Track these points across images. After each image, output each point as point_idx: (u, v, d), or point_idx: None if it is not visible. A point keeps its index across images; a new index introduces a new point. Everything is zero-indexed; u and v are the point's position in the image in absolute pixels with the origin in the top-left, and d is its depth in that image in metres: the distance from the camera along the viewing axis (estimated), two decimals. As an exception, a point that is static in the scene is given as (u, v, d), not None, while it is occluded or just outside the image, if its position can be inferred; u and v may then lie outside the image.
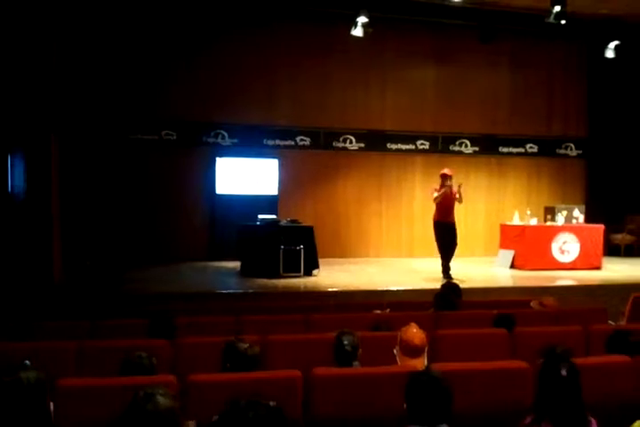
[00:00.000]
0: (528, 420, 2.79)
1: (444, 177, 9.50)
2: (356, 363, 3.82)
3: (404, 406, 2.72)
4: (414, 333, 3.80)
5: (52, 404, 2.67)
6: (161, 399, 2.18)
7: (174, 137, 11.68)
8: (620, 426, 2.53)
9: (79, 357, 4.29)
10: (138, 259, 10.67)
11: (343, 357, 3.82)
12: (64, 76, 9.17)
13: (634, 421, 2.79)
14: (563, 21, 10.30)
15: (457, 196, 9.38)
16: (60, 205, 8.96)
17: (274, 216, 10.47)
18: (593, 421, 2.82)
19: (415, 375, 2.77)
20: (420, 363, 3.73)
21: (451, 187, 9.41)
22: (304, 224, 10.21)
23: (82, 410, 3.18)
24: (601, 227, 11.22)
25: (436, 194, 9.46)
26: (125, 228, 10.94)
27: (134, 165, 11.26)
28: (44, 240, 8.31)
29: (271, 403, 2.22)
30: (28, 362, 2.58)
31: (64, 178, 9.20)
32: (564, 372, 2.82)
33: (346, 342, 3.81)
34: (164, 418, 2.16)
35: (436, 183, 9.68)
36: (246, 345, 3.56)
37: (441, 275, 9.51)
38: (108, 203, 10.76)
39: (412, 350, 3.77)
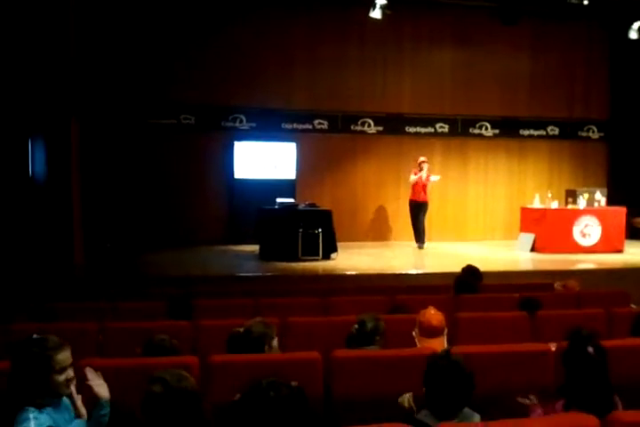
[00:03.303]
0: (559, 404, 2.76)
1: (423, 163, 11.08)
2: (373, 347, 3.78)
3: (423, 390, 2.69)
4: (432, 314, 3.82)
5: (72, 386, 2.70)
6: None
7: (192, 121, 11.68)
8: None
9: (100, 338, 4.33)
10: (157, 242, 10.75)
11: (349, 340, 3.80)
12: (83, 60, 9.17)
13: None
14: (585, 1, 10.10)
15: (428, 180, 10.99)
16: (80, 189, 9.01)
17: (292, 200, 10.45)
18: (619, 402, 2.80)
19: (434, 359, 2.73)
20: (439, 344, 3.73)
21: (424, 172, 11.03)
22: (322, 208, 10.20)
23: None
24: (623, 210, 11.07)
25: (413, 176, 11.05)
26: (145, 211, 11.01)
27: (153, 149, 11.29)
28: (64, 223, 8.38)
29: (293, 383, 2.22)
30: (35, 336, 2.63)
31: (84, 162, 9.25)
32: (590, 350, 2.78)
33: (355, 326, 3.80)
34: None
35: (415, 167, 11.18)
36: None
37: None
38: (127, 187, 10.81)
39: (431, 331, 3.77)
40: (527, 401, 2.99)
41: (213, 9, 11.45)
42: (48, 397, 2.55)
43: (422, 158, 11.13)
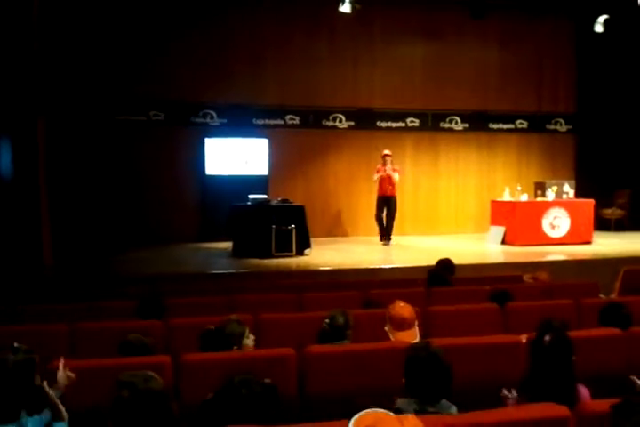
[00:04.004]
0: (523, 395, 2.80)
1: (386, 157, 10.77)
2: (344, 342, 3.80)
3: (403, 380, 2.71)
4: (402, 307, 3.88)
5: (45, 383, 2.73)
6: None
7: (162, 118, 11.57)
8: (612, 397, 2.55)
9: (71, 339, 4.28)
10: (128, 241, 10.62)
11: (322, 336, 3.81)
12: (49, 58, 9.00)
13: (626, 392, 2.81)
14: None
15: (392, 174, 10.66)
16: (48, 188, 8.87)
17: (265, 196, 10.42)
18: (585, 391, 2.84)
19: (414, 351, 2.76)
20: (412, 336, 3.77)
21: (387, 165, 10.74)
22: (295, 204, 10.19)
23: (77, 392, 3.17)
24: (591, 201, 11.25)
25: (375, 176, 10.82)
26: (115, 210, 10.86)
27: (123, 147, 11.14)
28: (32, 223, 8.25)
29: (266, 380, 2.22)
30: (16, 344, 2.62)
31: (51, 161, 9.10)
32: (547, 339, 2.83)
33: (327, 321, 3.81)
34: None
35: (380, 163, 10.91)
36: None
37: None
38: (96, 185, 10.65)
39: (403, 324, 3.81)
40: (509, 395, 3.02)
41: (182, 5, 11.34)
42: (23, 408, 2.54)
43: (386, 151, 10.84)
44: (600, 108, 13.23)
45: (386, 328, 3.88)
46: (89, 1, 10.31)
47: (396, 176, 10.71)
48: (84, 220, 10.19)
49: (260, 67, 11.88)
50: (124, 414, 2.09)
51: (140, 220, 11.13)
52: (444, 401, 2.65)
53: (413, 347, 2.84)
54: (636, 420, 2.06)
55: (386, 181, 10.73)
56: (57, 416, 2.72)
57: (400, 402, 2.71)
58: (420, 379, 2.64)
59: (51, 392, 2.73)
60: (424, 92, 12.70)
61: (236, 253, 9.66)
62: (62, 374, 2.89)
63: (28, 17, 8.29)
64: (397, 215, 11.09)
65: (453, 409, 2.66)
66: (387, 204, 10.82)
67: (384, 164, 10.75)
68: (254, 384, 2.15)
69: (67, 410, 2.79)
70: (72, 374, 2.91)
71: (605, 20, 11.82)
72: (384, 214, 10.85)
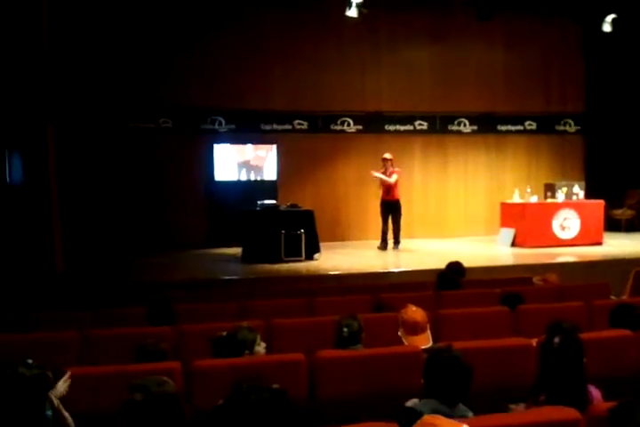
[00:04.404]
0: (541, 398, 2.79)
1: (385, 161, 10.66)
2: (358, 346, 3.81)
3: (422, 381, 2.72)
4: (414, 311, 3.89)
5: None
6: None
7: (171, 125, 11.62)
8: (624, 398, 2.54)
9: (83, 346, 4.30)
10: (138, 247, 10.68)
11: (340, 342, 3.81)
12: (59, 66, 9.08)
13: (638, 393, 2.80)
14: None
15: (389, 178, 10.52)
16: (59, 195, 8.93)
17: (274, 201, 10.43)
18: (596, 393, 2.83)
19: (436, 352, 2.78)
20: (425, 340, 3.78)
21: (388, 169, 10.65)
22: (304, 208, 10.19)
23: (88, 399, 3.19)
24: (601, 202, 11.19)
25: (377, 173, 10.66)
26: (125, 217, 10.93)
27: (132, 154, 11.20)
28: (44, 230, 8.30)
29: (274, 386, 2.23)
30: (30, 361, 2.58)
31: (62, 168, 9.17)
32: (556, 342, 2.82)
33: (345, 330, 3.81)
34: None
35: (378, 166, 10.78)
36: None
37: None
38: (106, 192, 10.73)
39: (416, 328, 3.82)
40: (519, 409, 3.00)
41: (190, 11, 11.39)
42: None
43: (385, 156, 10.70)
44: (609, 108, 13.16)
45: (399, 333, 3.88)
46: (99, 9, 10.40)
47: (392, 178, 10.53)
48: (94, 226, 10.27)
49: (267, 72, 11.92)
50: (137, 417, 2.10)
51: (150, 226, 11.17)
52: (460, 405, 2.65)
53: (435, 348, 2.85)
54: (634, 424, 2.04)
55: (385, 185, 10.65)
56: (62, 424, 2.72)
57: (411, 402, 2.71)
58: (440, 380, 2.65)
59: (55, 401, 2.71)
60: (432, 95, 12.68)
61: (246, 258, 9.67)
62: (63, 385, 2.83)
63: (37, 24, 8.35)
64: (406, 218, 11.03)
65: (470, 414, 2.65)
66: (390, 208, 10.72)
67: (385, 168, 10.65)
68: (263, 390, 2.15)
69: (77, 416, 2.80)
70: (65, 391, 2.85)
71: (613, 20, 11.77)
72: (390, 219, 10.75)
